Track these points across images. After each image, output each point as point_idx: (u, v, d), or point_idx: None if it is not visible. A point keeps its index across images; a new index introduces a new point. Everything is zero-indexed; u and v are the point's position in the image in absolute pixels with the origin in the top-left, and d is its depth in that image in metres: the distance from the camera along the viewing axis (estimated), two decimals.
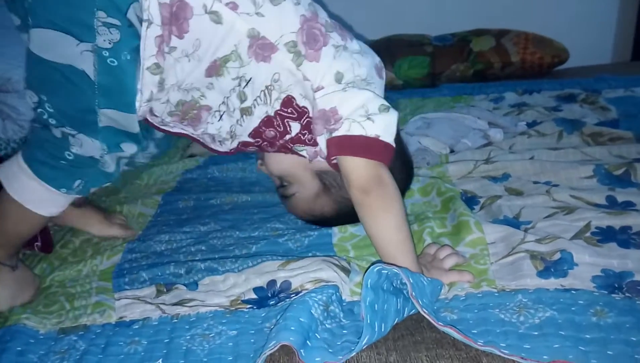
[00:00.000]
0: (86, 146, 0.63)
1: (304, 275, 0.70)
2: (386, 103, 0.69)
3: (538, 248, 0.70)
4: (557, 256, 0.68)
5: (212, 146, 0.77)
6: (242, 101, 0.69)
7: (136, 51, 0.61)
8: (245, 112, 0.71)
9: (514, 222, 0.79)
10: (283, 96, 0.69)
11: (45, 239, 0.88)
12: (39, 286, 0.77)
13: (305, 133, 0.73)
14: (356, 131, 0.67)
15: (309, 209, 0.80)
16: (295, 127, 0.72)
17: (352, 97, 0.67)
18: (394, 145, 0.68)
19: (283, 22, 0.66)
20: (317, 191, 0.78)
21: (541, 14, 1.70)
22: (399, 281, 0.60)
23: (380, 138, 0.67)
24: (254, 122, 0.72)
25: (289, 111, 0.71)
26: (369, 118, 0.67)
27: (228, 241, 0.84)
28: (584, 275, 0.65)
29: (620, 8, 1.74)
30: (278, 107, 0.70)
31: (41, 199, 0.67)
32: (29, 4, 0.60)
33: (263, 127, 0.72)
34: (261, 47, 0.65)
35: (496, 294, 0.65)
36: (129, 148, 0.66)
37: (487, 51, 1.59)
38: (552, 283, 0.64)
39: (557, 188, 0.87)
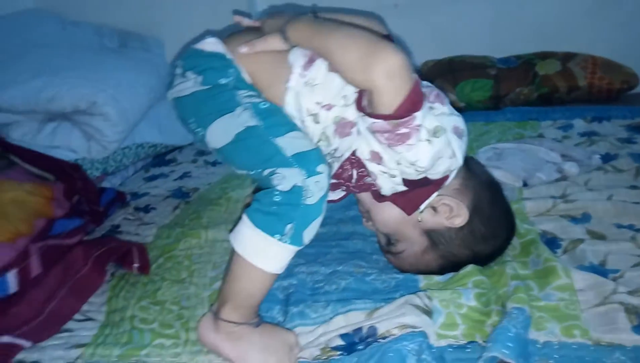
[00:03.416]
0: (288, 177, 0.68)
1: (388, 320, 0.73)
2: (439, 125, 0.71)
3: (631, 300, 0.71)
4: None
5: None
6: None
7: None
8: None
9: (601, 270, 0.80)
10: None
11: (143, 260, 0.94)
12: (295, 341, 0.74)
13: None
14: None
15: (415, 263, 0.83)
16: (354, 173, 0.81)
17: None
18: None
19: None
20: (424, 247, 0.81)
21: (608, 36, 1.67)
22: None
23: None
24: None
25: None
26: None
27: (317, 277, 0.87)
28: None
29: None
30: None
31: (262, 252, 0.69)
32: (192, 128, 0.82)
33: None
34: (345, 125, 0.77)
35: (591, 347, 0.66)
36: (323, 169, 0.70)
37: (552, 75, 1.57)
38: None
39: None
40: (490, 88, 1.60)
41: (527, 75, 1.59)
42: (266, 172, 0.71)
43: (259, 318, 0.75)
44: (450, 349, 0.70)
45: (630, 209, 0.94)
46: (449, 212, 0.79)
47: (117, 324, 0.80)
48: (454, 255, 0.81)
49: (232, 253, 0.72)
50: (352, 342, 0.72)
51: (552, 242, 0.89)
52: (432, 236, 0.81)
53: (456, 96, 1.62)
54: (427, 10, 1.77)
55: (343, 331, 0.74)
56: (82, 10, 1.85)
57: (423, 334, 0.69)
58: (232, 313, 0.71)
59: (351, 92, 0.75)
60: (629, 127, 1.32)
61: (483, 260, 0.83)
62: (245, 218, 0.71)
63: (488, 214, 0.80)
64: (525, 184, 1.11)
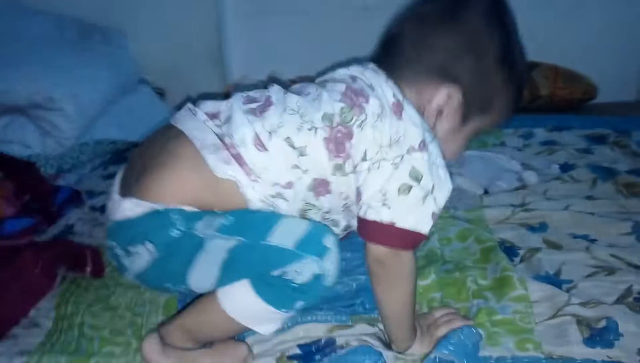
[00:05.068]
0: (303, 270, 0.61)
1: (349, 336, 0.72)
2: (409, 181, 0.64)
3: (583, 312, 0.73)
4: (603, 323, 0.71)
5: None
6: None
7: None
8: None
9: (555, 280, 0.82)
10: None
11: (97, 263, 0.91)
12: (248, 353, 0.73)
13: None
14: (371, 216, 0.65)
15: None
16: None
17: (372, 179, 0.66)
18: (417, 230, 0.65)
19: (318, 162, 0.67)
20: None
21: (570, 46, 1.70)
22: None
23: (396, 225, 0.64)
24: None
25: None
26: (384, 204, 0.65)
27: None
28: (629, 346, 0.68)
29: None
30: None
31: (260, 319, 0.66)
32: (173, 290, 0.75)
33: None
34: (320, 185, 0.68)
35: (543, 361, 0.67)
36: (329, 240, 0.63)
37: None
38: (599, 353, 0.67)
39: (596, 244, 0.89)
40: None
41: None
42: (275, 273, 0.62)
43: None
44: None
45: (586, 219, 0.96)
46: (445, 102, 0.71)
47: (65, 331, 0.77)
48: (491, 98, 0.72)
49: (213, 300, 0.66)
50: (309, 352, 0.71)
51: (510, 250, 0.90)
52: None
53: None
54: (397, 13, 1.77)
55: (301, 342, 0.73)
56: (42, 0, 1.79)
57: (380, 354, 0.69)
58: (188, 343, 0.69)
59: (303, 161, 0.67)
60: (587, 138, 1.36)
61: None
62: (248, 285, 0.63)
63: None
64: (486, 192, 1.12)
